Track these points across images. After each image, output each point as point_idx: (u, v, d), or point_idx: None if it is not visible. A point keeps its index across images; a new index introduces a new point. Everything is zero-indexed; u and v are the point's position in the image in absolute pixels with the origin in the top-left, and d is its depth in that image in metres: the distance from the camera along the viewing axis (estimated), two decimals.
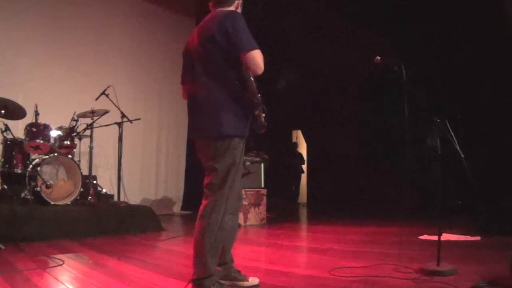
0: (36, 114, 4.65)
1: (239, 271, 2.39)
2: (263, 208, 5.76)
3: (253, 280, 2.36)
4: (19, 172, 4.47)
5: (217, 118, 2.10)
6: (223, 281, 2.30)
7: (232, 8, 2.28)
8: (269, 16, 7.22)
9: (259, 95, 2.15)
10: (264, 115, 2.17)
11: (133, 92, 6.77)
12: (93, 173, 5.33)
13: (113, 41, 6.72)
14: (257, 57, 2.06)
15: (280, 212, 7.08)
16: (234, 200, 2.15)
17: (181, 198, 7.65)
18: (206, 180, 2.17)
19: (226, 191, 2.09)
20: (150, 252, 3.70)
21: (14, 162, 4.49)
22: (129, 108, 5.52)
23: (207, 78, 2.15)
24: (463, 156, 2.57)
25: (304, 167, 10.18)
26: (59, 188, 4.54)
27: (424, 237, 4.03)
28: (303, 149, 10.44)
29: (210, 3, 2.32)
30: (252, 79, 2.11)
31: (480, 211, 4.58)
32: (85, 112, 4.99)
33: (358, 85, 7.54)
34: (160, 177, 7.43)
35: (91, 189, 4.94)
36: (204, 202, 2.14)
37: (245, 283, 2.33)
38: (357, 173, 7.85)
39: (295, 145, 10.42)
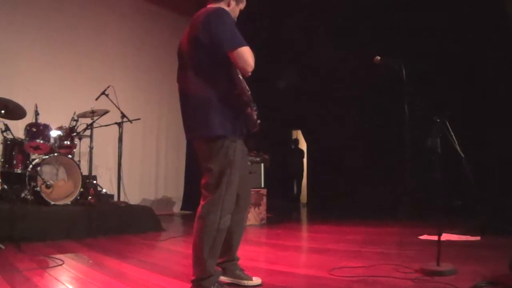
0: (36, 114, 4.66)
1: (243, 270, 2.40)
2: (263, 208, 5.75)
3: (257, 280, 2.36)
4: (19, 172, 4.47)
5: (207, 119, 2.07)
6: (226, 278, 2.32)
7: (222, 4, 2.22)
8: (269, 15, 7.22)
9: (249, 92, 2.11)
10: (255, 113, 2.13)
11: (133, 92, 6.77)
12: (93, 173, 5.33)
13: (113, 41, 6.73)
14: (245, 54, 1.99)
15: (280, 212, 7.08)
16: (232, 199, 2.13)
17: (181, 198, 7.66)
18: (203, 181, 2.15)
19: (223, 191, 2.07)
20: (150, 252, 3.71)
21: (14, 162, 4.49)
22: (129, 108, 5.52)
23: (195, 77, 2.10)
24: (463, 156, 2.57)
25: (304, 162, 10.09)
26: (59, 188, 4.54)
27: (424, 237, 4.02)
28: (303, 149, 10.39)
29: None
30: (241, 77, 2.07)
31: (480, 211, 4.57)
32: (85, 112, 4.99)
33: (358, 85, 7.53)
34: (160, 177, 7.44)
35: (91, 189, 4.94)
36: (202, 202, 2.12)
37: (249, 282, 2.34)
38: (357, 173, 7.83)
39: (296, 141, 10.31)
